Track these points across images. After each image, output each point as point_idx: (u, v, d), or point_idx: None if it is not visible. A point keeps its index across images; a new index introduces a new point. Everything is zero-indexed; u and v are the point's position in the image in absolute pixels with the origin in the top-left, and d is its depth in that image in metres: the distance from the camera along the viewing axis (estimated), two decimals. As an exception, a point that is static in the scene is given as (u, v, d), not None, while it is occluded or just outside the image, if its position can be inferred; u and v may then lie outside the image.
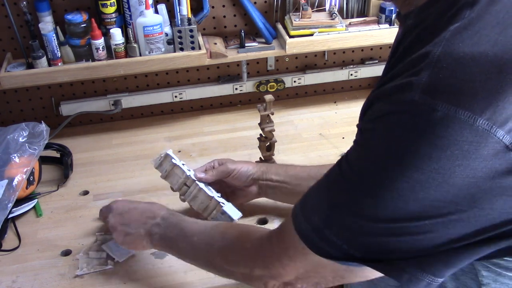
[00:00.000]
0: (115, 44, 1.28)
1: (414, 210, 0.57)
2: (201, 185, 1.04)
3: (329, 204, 0.64)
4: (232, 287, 0.98)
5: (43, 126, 1.24)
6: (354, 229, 0.61)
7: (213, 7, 1.40)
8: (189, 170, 1.07)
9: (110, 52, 1.30)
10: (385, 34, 1.39)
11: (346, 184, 0.62)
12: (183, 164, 1.07)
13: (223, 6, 1.40)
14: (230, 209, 1.03)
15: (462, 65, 0.53)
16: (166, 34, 1.32)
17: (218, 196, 1.04)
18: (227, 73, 1.51)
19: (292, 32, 1.37)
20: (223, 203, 1.03)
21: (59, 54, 1.28)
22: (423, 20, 0.62)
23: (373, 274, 0.64)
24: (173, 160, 1.06)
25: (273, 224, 1.11)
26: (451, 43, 0.55)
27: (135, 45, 1.30)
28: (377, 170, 0.58)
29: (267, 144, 1.22)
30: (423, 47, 0.58)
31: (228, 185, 1.09)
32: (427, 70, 0.55)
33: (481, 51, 0.53)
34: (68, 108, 1.43)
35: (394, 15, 1.41)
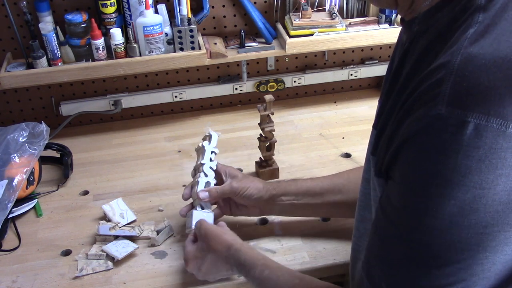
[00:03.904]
0: (115, 44, 1.28)
1: (470, 242, 0.55)
2: (202, 180, 1.04)
3: (391, 265, 0.61)
4: (233, 287, 0.98)
5: (43, 126, 1.24)
6: (420, 284, 0.58)
7: (213, 7, 1.40)
8: (211, 160, 1.08)
9: (110, 52, 1.30)
10: (385, 34, 1.39)
11: (398, 230, 0.59)
12: (212, 152, 1.09)
13: (223, 6, 1.40)
14: (198, 215, 1.01)
15: (485, 72, 0.52)
16: (166, 34, 1.32)
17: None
18: (227, 73, 1.51)
19: (292, 32, 1.37)
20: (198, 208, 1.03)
21: (59, 54, 1.28)
22: (430, 26, 0.61)
23: None
24: (203, 143, 1.09)
25: (273, 224, 1.11)
26: (470, 50, 0.53)
27: (135, 45, 1.30)
28: (422, 200, 0.55)
29: (267, 144, 1.22)
30: (438, 55, 0.56)
31: (232, 199, 1.06)
32: (449, 81, 0.53)
33: (502, 57, 0.52)
34: (68, 108, 1.43)
35: (394, 15, 1.41)
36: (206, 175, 1.05)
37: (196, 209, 1.02)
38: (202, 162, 1.07)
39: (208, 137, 1.12)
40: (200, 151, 1.10)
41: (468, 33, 0.55)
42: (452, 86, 0.52)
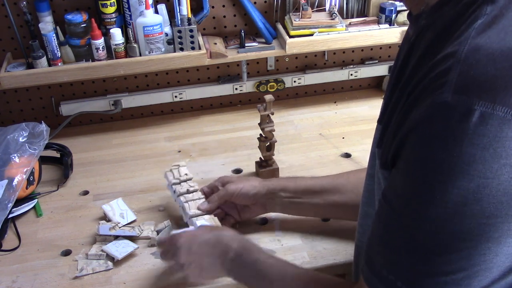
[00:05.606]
0: (115, 44, 1.28)
1: (473, 232, 0.54)
2: (188, 202, 1.07)
3: (393, 252, 0.61)
4: (232, 287, 0.98)
5: (43, 126, 1.24)
6: (423, 274, 0.58)
7: (213, 7, 1.40)
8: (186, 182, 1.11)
9: (110, 52, 1.30)
10: (385, 34, 1.39)
11: (401, 218, 0.59)
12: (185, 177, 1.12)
13: (223, 6, 1.40)
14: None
15: (492, 61, 0.52)
16: (166, 34, 1.32)
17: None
18: (227, 73, 1.51)
19: (292, 32, 1.37)
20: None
21: (59, 54, 1.28)
22: (437, 20, 0.61)
23: None
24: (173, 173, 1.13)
25: (273, 224, 1.11)
26: (477, 40, 0.54)
27: (135, 45, 1.30)
28: (426, 188, 0.56)
29: (267, 144, 1.22)
30: (445, 46, 0.56)
31: (233, 202, 1.07)
32: (456, 69, 0.53)
33: (509, 47, 0.53)
34: (68, 108, 1.43)
35: (394, 15, 1.41)
36: (187, 197, 1.07)
37: (195, 222, 1.02)
38: (181, 191, 1.08)
39: (176, 169, 1.14)
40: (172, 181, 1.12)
41: (476, 24, 0.55)
42: (459, 75, 0.53)
